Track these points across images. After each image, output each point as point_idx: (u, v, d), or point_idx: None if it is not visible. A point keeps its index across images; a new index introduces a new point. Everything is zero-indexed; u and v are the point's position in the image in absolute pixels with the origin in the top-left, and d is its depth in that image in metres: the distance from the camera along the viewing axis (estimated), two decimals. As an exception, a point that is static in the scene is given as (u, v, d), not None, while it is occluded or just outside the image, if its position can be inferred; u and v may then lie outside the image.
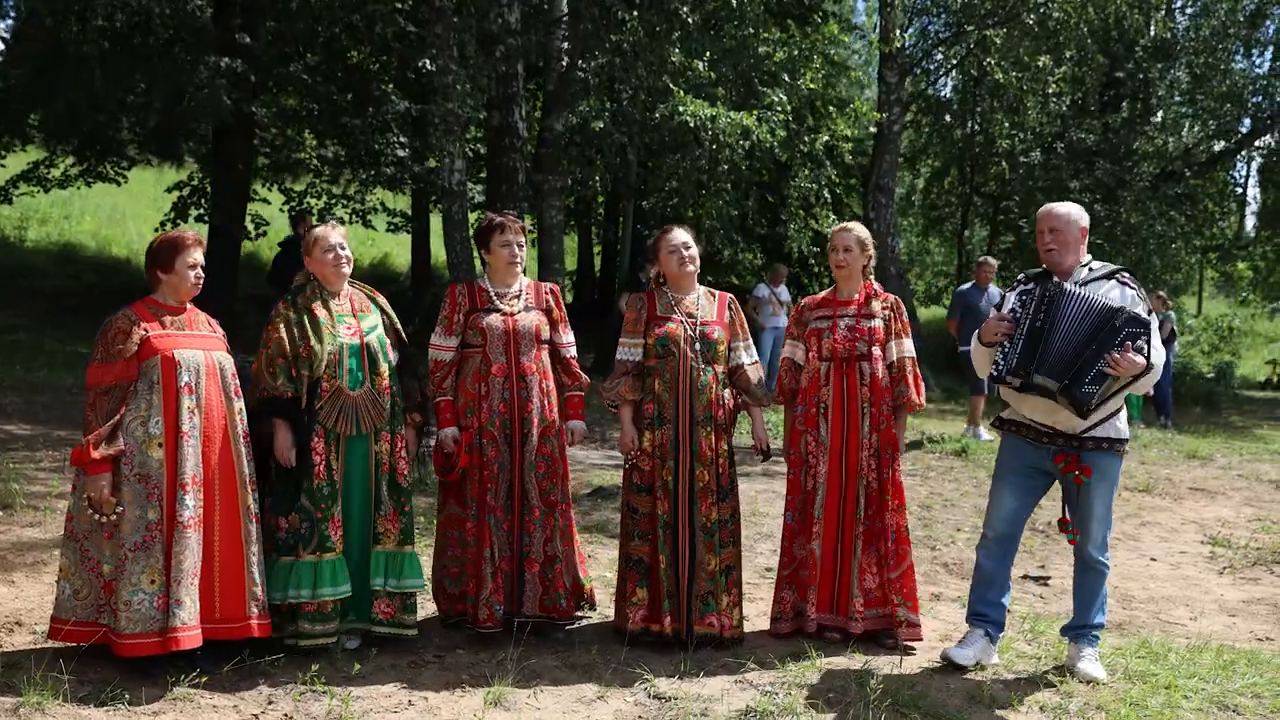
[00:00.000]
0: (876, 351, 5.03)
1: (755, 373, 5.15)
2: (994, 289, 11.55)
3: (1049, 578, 6.65)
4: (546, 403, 5.05)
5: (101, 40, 13.61)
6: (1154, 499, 9.54)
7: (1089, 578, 4.67)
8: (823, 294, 5.31)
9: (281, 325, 4.68)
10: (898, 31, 17.32)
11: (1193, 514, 9.01)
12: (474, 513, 4.94)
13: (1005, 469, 4.75)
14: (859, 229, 5.21)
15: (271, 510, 4.67)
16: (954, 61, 20.23)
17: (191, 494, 4.35)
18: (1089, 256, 4.66)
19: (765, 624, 5.29)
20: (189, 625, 4.28)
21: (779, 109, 12.72)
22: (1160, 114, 21.77)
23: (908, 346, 5.14)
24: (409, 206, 20.55)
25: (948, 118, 22.08)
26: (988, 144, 21.19)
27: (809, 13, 15.59)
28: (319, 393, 4.62)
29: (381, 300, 5.01)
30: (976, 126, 21.72)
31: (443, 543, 5.12)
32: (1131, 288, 4.50)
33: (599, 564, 6.31)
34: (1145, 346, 4.26)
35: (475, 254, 5.60)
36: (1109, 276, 4.55)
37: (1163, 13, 21.04)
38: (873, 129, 18.25)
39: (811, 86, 13.89)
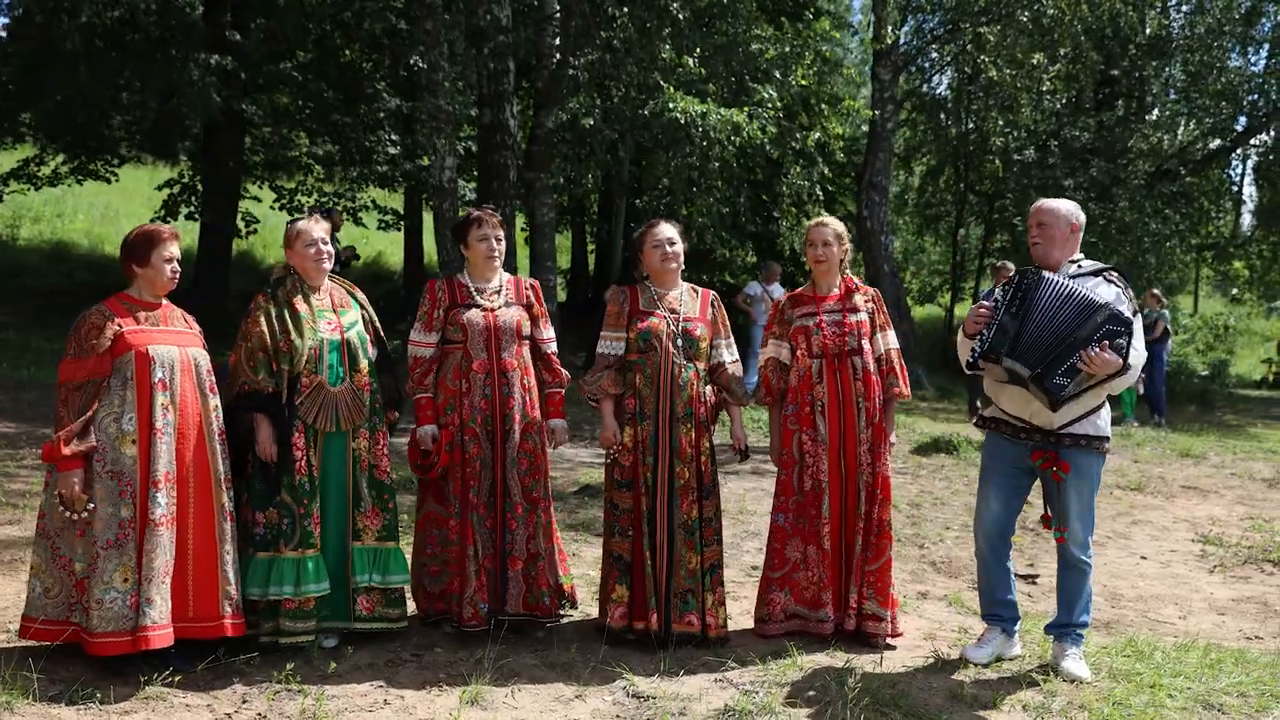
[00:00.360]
0: (866, 345, 5.00)
1: (736, 371, 5.10)
2: None
3: (1037, 576, 6.60)
4: (528, 399, 5.00)
5: (89, 37, 13.54)
6: (1146, 497, 9.51)
7: (1071, 576, 4.63)
8: (800, 290, 5.26)
9: (262, 319, 4.63)
10: (889, 29, 17.26)
11: (1184, 512, 8.98)
12: (457, 510, 4.89)
13: (989, 470, 4.74)
14: (835, 223, 5.16)
15: (248, 505, 4.62)
16: (948, 59, 20.18)
17: (164, 491, 4.29)
18: (1081, 255, 4.62)
19: (748, 622, 5.25)
20: (159, 624, 4.23)
21: (770, 106, 12.68)
22: (1155, 112, 21.73)
23: (891, 339, 5.11)
24: (402, 204, 20.51)
25: (942, 115, 22.02)
26: (982, 142, 21.15)
27: (801, 9, 15.54)
28: (299, 388, 4.57)
29: (361, 296, 4.97)
30: (971, 124, 21.68)
31: (422, 541, 5.06)
32: (1118, 286, 4.46)
33: (584, 562, 6.26)
34: (1124, 346, 4.22)
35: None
36: (1097, 274, 4.51)
37: (1158, 10, 20.99)
38: (864, 127, 18.22)
39: (803, 83, 13.85)
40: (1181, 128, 22.18)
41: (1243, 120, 21.60)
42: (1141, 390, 15.33)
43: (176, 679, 4.23)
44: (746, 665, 4.63)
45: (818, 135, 15.01)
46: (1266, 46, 21.78)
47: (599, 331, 5.08)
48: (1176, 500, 9.49)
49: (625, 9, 11.62)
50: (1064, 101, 20.70)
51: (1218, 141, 21.78)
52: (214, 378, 4.54)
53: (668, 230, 5.07)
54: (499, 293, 5.05)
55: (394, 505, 4.82)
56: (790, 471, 5.02)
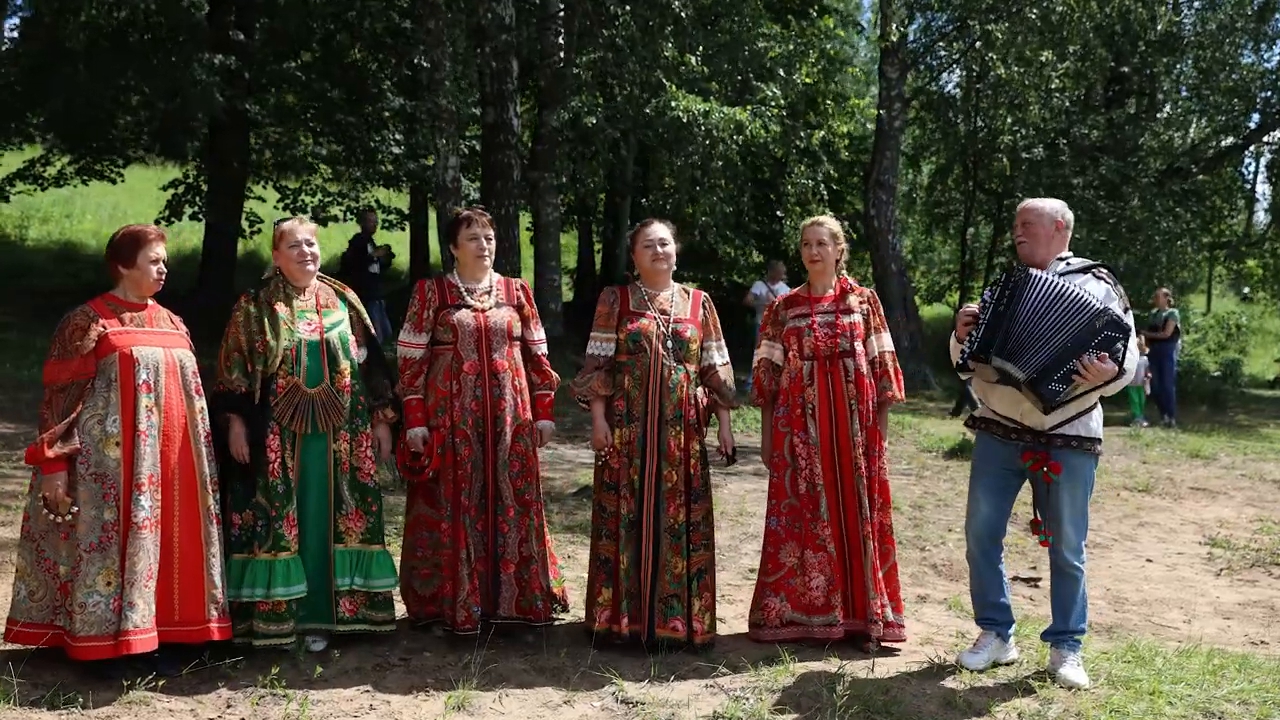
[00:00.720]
0: (859, 348, 4.91)
1: (726, 373, 5.02)
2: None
3: (1039, 579, 6.51)
4: (519, 400, 4.94)
5: (95, 37, 13.55)
6: (1153, 499, 9.40)
7: (1063, 582, 4.55)
8: (794, 290, 5.19)
9: (240, 320, 4.61)
10: (894, 26, 17.14)
11: (1193, 514, 8.87)
12: (448, 513, 4.83)
13: (978, 471, 4.68)
14: (831, 222, 5.09)
15: (230, 507, 4.59)
16: (956, 57, 20.05)
17: (148, 494, 4.25)
18: (1069, 252, 4.57)
19: (744, 626, 5.17)
20: (143, 628, 4.18)
21: (774, 104, 12.60)
22: (1167, 109, 21.56)
23: (886, 341, 5.02)
24: (407, 204, 20.50)
25: (951, 113, 21.89)
26: (991, 140, 21.01)
27: (807, 6, 15.45)
28: (275, 389, 4.53)
29: (351, 296, 4.92)
30: (980, 122, 21.54)
31: (412, 543, 5.01)
32: (1108, 283, 4.41)
33: (580, 564, 6.19)
34: (1121, 351, 4.17)
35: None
36: (1085, 270, 4.45)
37: (1168, 6, 20.82)
38: (869, 125, 18.13)
39: (807, 81, 13.76)
40: (1193, 125, 21.99)
41: (1255, 117, 21.44)
42: (1149, 390, 15.22)
43: (160, 683, 4.20)
44: (738, 671, 4.57)
45: (822, 134, 14.92)
46: (1280, 43, 21.62)
47: (588, 332, 5.03)
48: (1185, 502, 9.38)
49: (627, 7, 11.56)
50: (1073, 99, 20.53)
51: (1230, 139, 21.60)
52: (200, 379, 4.49)
53: (659, 230, 5.00)
54: (489, 293, 4.99)
55: (378, 508, 4.75)
56: (782, 474, 4.95)
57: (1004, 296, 4.28)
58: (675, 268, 5.06)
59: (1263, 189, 30.25)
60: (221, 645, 4.45)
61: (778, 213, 16.41)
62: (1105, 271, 4.46)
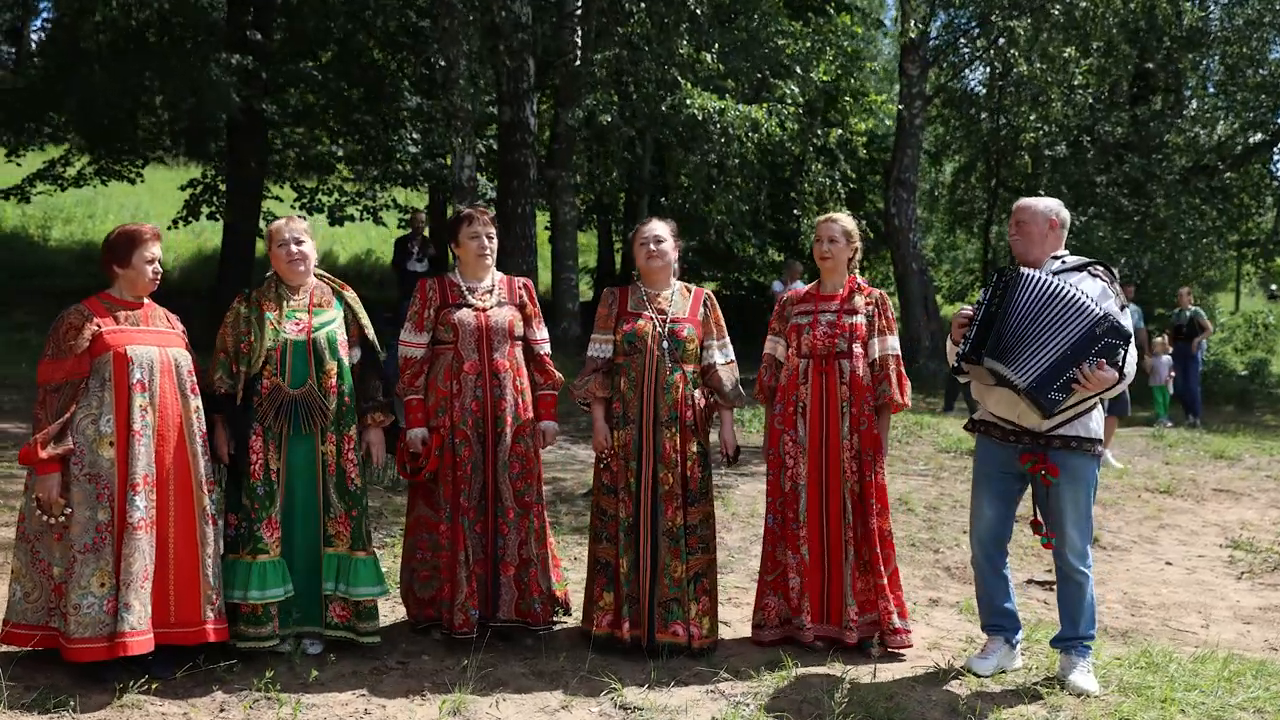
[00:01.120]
0: (857, 349, 4.81)
1: (727, 373, 4.92)
2: (1133, 308, 10.90)
3: (1054, 582, 6.39)
4: (520, 401, 4.86)
5: (113, 37, 13.60)
6: (1175, 500, 9.25)
7: (1068, 588, 4.45)
8: (806, 288, 5.11)
9: (230, 320, 4.59)
10: (912, 22, 16.99)
11: (1215, 516, 8.72)
12: (447, 515, 4.77)
13: (980, 475, 4.60)
14: (844, 219, 4.99)
15: (227, 508, 4.56)
16: (978, 54, 19.88)
17: (142, 494, 4.21)
18: (1065, 251, 4.50)
19: (749, 629, 5.09)
20: (138, 630, 4.14)
21: (791, 102, 12.50)
22: (1193, 105, 21.30)
23: (891, 344, 4.90)
24: (425, 204, 20.51)
25: (973, 110, 21.71)
26: (1014, 137, 20.83)
27: (825, 3, 15.33)
28: (259, 389, 4.48)
29: (349, 295, 4.85)
30: (1003, 120, 21.36)
31: (412, 545, 4.95)
32: (1104, 280, 4.33)
33: (585, 566, 6.13)
34: (1122, 358, 4.09)
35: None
36: (1080, 269, 4.38)
37: (1194, 1, 20.55)
38: (889, 122, 17.97)
39: (825, 78, 13.64)
40: (1221, 122, 21.71)
41: (1285, 114, 21.14)
42: (1174, 390, 15.03)
43: (154, 686, 4.15)
44: (740, 675, 4.49)
45: (839, 132, 14.79)
46: (1309, 38, 21.27)
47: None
48: (1207, 503, 9.22)
49: (643, 4, 11.49)
50: (1097, 96, 20.32)
51: (1258, 135, 21.31)
52: (195, 378, 4.45)
53: (655, 229, 4.92)
54: (491, 292, 4.92)
55: (359, 512, 4.62)
56: (777, 472, 4.87)
57: (996, 297, 4.21)
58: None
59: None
60: (217, 647, 4.40)
61: (794, 211, 16.30)
62: (1101, 269, 4.37)
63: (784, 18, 13.28)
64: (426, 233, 14.67)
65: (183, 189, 17.30)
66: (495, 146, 16.14)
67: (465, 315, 4.81)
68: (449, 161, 14.24)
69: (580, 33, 13.05)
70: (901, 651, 4.84)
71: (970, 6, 19.02)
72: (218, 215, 16.39)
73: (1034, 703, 4.25)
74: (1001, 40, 18.18)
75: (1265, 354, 24.52)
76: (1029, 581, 6.32)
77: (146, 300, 4.48)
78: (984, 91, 21.89)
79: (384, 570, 5.60)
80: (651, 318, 4.82)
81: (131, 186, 18.54)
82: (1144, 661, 4.79)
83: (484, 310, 4.85)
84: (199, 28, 13.76)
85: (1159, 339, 14.94)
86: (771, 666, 4.56)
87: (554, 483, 8.21)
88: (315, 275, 4.79)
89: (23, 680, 4.12)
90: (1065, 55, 17.58)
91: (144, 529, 4.20)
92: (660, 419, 4.72)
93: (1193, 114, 21.12)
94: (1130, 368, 4.18)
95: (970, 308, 4.39)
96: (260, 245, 17.30)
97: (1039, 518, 4.48)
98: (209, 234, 20.41)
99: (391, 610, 5.21)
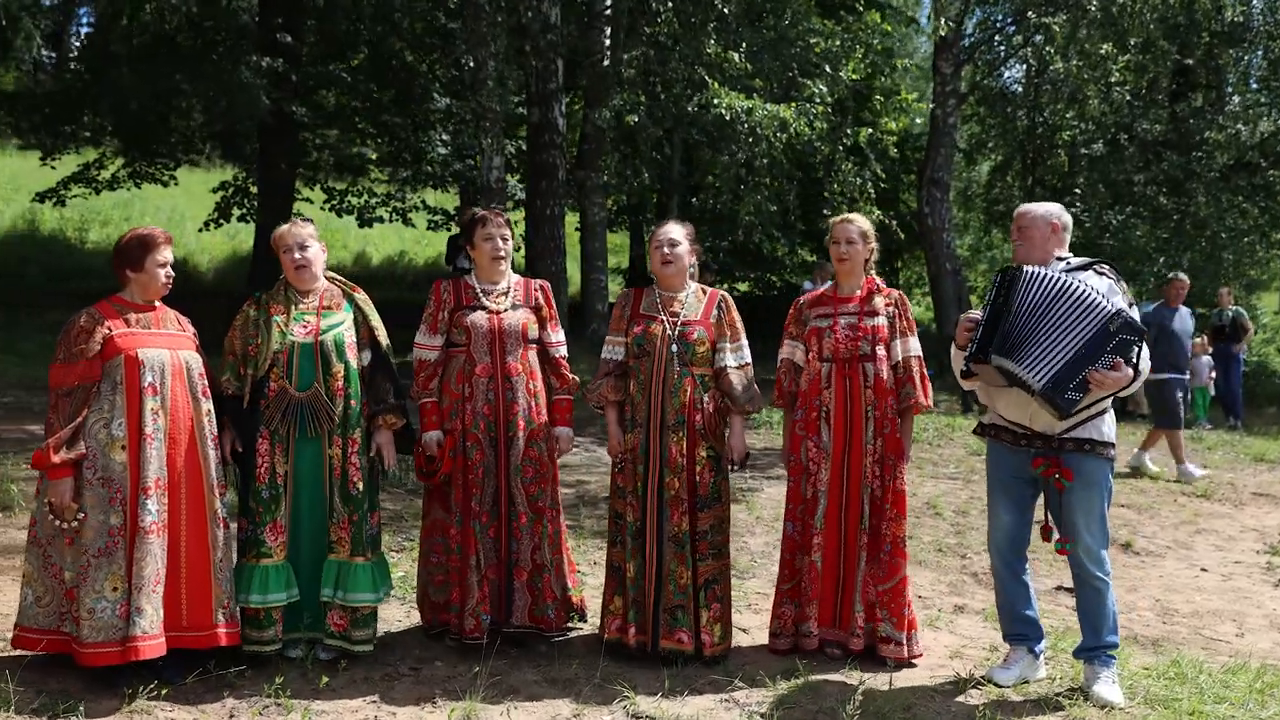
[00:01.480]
0: (880, 352, 4.70)
1: (739, 377, 4.79)
2: (1185, 310, 10.59)
3: (1083, 589, 6.26)
4: (533, 404, 4.80)
5: (146, 41, 13.72)
6: (1213, 504, 9.06)
7: (1086, 595, 4.34)
8: (821, 290, 5.01)
9: (239, 323, 4.57)
10: (944, 21, 16.78)
11: (1254, 521, 8.53)
12: (458, 519, 4.72)
13: (994, 480, 4.51)
14: (861, 220, 4.90)
15: (240, 511, 4.55)
16: (1014, 51, 19.63)
17: (154, 498, 4.19)
18: (1069, 254, 4.45)
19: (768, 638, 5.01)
20: (150, 634, 4.12)
21: (820, 101, 12.39)
22: (1235, 101, 20.92)
23: (913, 346, 4.79)
24: (455, 205, 20.56)
25: (1008, 109, 21.45)
26: (1050, 135, 20.55)
27: (854, 1, 15.20)
28: (266, 392, 4.46)
29: (359, 297, 4.81)
30: (1039, 118, 21.08)
31: (427, 549, 4.91)
32: (1110, 278, 4.25)
33: (604, 572, 6.07)
34: (1136, 354, 3.99)
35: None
36: (1085, 268, 4.31)
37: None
38: (920, 121, 17.78)
39: (854, 77, 13.51)
40: (1264, 118, 21.30)
41: (1330, 110, 20.70)
42: (1214, 391, 14.75)
43: (164, 691, 4.14)
44: (755, 684, 4.40)
45: (869, 131, 14.65)
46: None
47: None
48: (1246, 508, 9.02)
49: (670, 3, 11.42)
50: (1135, 93, 20.01)
51: (1304, 132, 20.91)
52: (206, 381, 4.43)
53: (671, 232, 4.84)
54: (506, 294, 4.86)
55: (359, 518, 4.55)
56: (798, 479, 4.77)
57: (999, 295, 4.15)
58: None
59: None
60: (228, 653, 4.38)
61: (825, 211, 16.17)
62: (1107, 267, 4.31)
63: (815, 16, 13.17)
64: None
65: (214, 191, 17.43)
66: (524, 147, 16.15)
67: (478, 318, 4.76)
68: (478, 162, 14.23)
69: (608, 33, 13.00)
70: (913, 660, 4.72)
71: (1006, 3, 18.79)
72: (249, 217, 16.49)
73: (1054, 714, 4.14)
74: (1038, 37, 17.93)
75: (1310, 354, 24.04)
76: (1058, 588, 6.19)
77: (158, 303, 4.47)
78: (1020, 89, 21.61)
79: (402, 575, 5.60)
80: (664, 320, 4.75)
81: (165, 189, 18.69)
82: (1173, 672, 4.67)
83: (497, 313, 4.79)
84: (230, 31, 13.84)
85: (1198, 339, 14.68)
86: (787, 675, 4.47)
87: (578, 485, 8.15)
88: (326, 277, 4.76)
89: (33, 685, 4.11)
90: (1103, 52, 17.30)
91: (155, 533, 4.18)
92: (667, 423, 4.64)
93: (1234, 110, 20.74)
94: (1145, 365, 4.09)
95: (977, 313, 4.31)
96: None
97: (1049, 523, 4.38)
98: (243, 236, 20.57)
99: (406, 615, 5.17)
